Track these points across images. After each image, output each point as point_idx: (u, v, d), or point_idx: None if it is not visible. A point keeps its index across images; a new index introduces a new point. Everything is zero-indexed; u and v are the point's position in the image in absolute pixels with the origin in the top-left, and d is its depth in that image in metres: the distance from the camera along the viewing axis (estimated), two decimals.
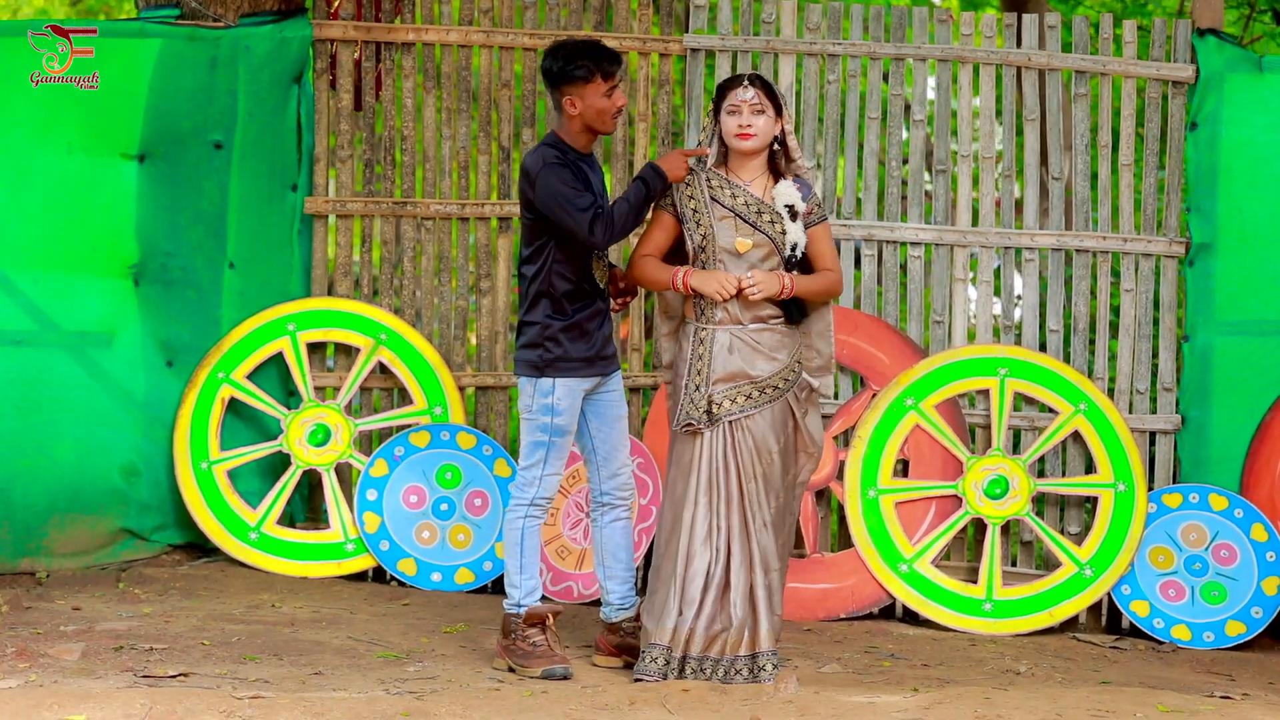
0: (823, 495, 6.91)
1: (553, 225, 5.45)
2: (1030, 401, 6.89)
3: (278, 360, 6.91)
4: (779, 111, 5.50)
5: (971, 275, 7.36)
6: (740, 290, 5.43)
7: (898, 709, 5.03)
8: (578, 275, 5.52)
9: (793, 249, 5.50)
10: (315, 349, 7.01)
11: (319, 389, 6.95)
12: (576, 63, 5.44)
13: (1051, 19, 7.01)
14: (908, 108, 7.46)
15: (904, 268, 7.13)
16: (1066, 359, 7.02)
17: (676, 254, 5.61)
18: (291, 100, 6.96)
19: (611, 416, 5.67)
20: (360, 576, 6.82)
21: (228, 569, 6.75)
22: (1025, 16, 7.04)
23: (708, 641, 5.42)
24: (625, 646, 5.66)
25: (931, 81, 7.17)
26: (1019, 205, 7.83)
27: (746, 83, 5.46)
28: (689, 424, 5.48)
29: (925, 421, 6.77)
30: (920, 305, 7.06)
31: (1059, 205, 7.00)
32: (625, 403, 5.75)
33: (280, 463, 6.91)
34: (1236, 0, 9.91)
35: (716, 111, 5.53)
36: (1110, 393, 6.97)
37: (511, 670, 5.53)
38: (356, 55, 7.02)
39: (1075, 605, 6.70)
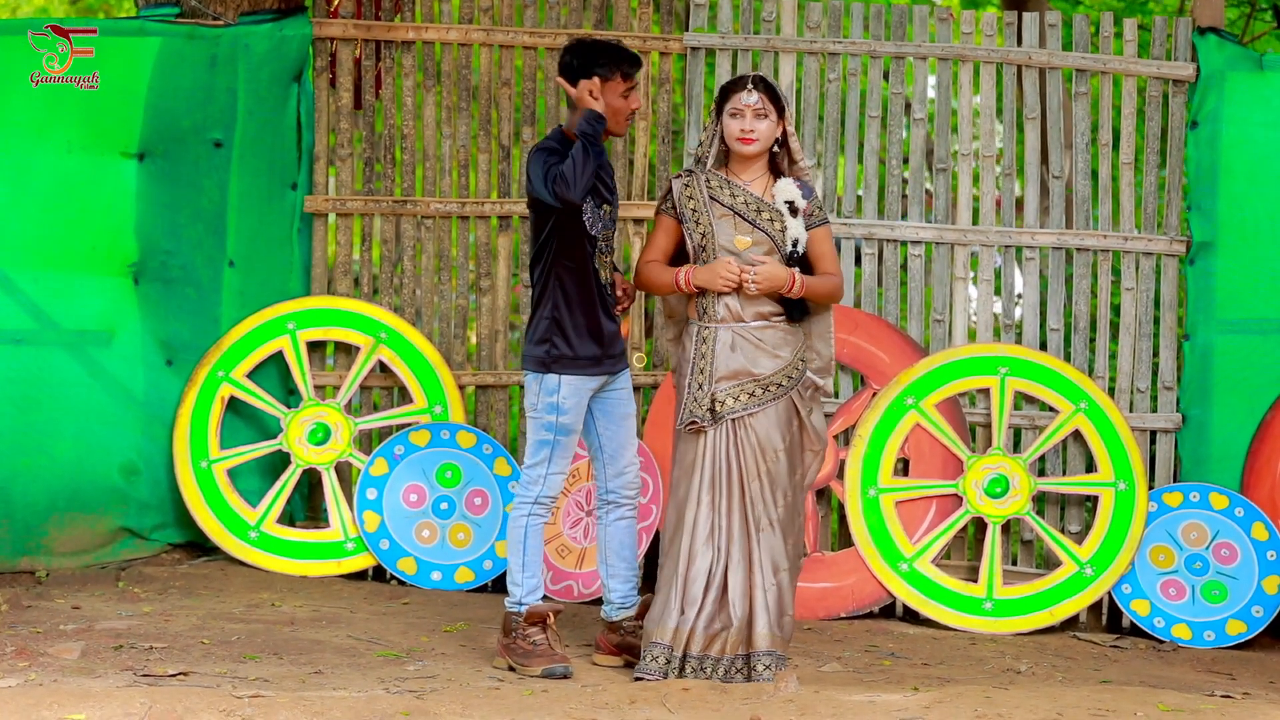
0: (823, 494, 6.91)
1: (552, 221, 5.47)
2: (1031, 400, 6.89)
3: (277, 359, 6.92)
4: (781, 113, 5.50)
5: (972, 274, 7.35)
6: (741, 283, 5.42)
7: (898, 708, 5.03)
8: (583, 272, 5.52)
9: (794, 244, 5.50)
10: (315, 348, 7.01)
11: (319, 388, 6.95)
12: (599, 60, 5.45)
13: (1052, 17, 7.01)
14: (908, 106, 7.45)
15: (904, 266, 7.13)
16: (1067, 358, 7.01)
17: (682, 257, 5.62)
18: (291, 98, 6.96)
19: (619, 415, 5.67)
20: (360, 575, 6.83)
21: (227, 568, 6.75)
22: (1026, 15, 7.04)
23: (708, 641, 5.42)
24: (626, 645, 5.66)
25: (932, 80, 7.16)
26: (1019, 204, 7.83)
27: (750, 86, 5.45)
28: (692, 422, 5.49)
29: (925, 420, 6.77)
30: (921, 304, 7.07)
31: (1059, 204, 7.00)
32: (633, 401, 5.75)
33: (280, 461, 6.91)
34: None
35: (718, 112, 5.53)
36: (1111, 391, 6.97)
37: (512, 669, 5.53)
38: (356, 53, 7.03)
39: (1076, 604, 6.70)
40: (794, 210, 5.50)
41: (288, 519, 6.94)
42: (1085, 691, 5.42)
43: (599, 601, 6.03)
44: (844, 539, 6.87)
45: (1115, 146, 7.01)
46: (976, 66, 7.06)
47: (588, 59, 5.46)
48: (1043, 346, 7.03)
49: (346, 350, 7.04)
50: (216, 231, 6.89)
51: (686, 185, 5.56)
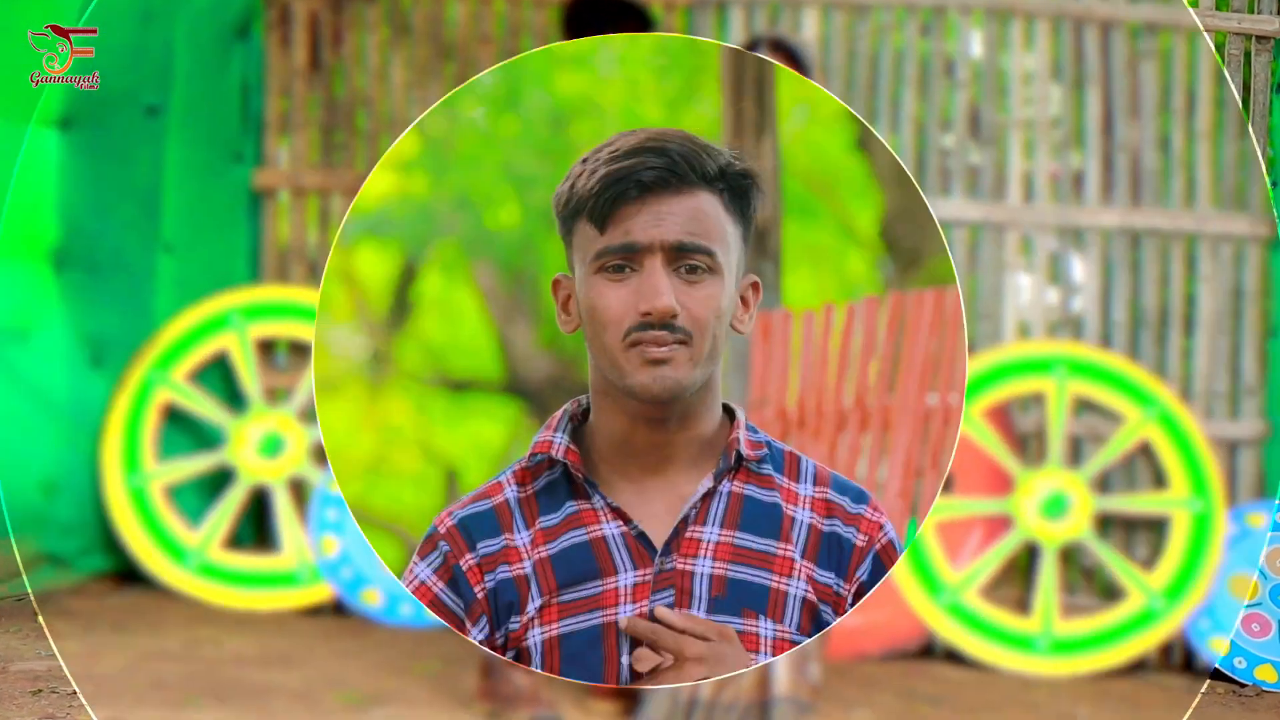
0: None
1: None
2: (1092, 406, 6.86)
3: (222, 358, 6.90)
4: (806, 75, 5.53)
5: (1024, 260, 7.36)
6: None
7: None
8: None
9: None
10: (265, 345, 6.99)
11: (269, 391, 6.94)
12: (606, 14, 5.46)
13: None
14: (950, 67, 7.46)
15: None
16: (1134, 357, 6.98)
17: None
18: (237, 58, 7.00)
19: None
20: (318, 609, 6.81)
21: (163, 600, 6.75)
22: None
23: (718, 685, 5.39)
24: (625, 689, 5.60)
25: (978, 36, 7.18)
26: (1078, 179, 7.83)
27: (764, 49, 5.53)
28: None
29: (971, 429, 6.75)
30: (965, 295, 7.07)
31: (1124, 179, 7.00)
32: None
33: (225, 477, 6.89)
34: None
35: None
36: (1185, 396, 6.94)
37: (493, 716, 5.52)
38: (313, 6, 7.04)
39: (1144, 642, 6.66)
40: None
41: (233, 543, 6.90)
42: None
43: None
44: None
45: (1190, 113, 7.00)
46: (1029, 20, 7.04)
47: (594, 11, 5.48)
48: (1106, 344, 7.00)
49: (301, 348, 7.05)
50: (150, 211, 6.91)
51: None
